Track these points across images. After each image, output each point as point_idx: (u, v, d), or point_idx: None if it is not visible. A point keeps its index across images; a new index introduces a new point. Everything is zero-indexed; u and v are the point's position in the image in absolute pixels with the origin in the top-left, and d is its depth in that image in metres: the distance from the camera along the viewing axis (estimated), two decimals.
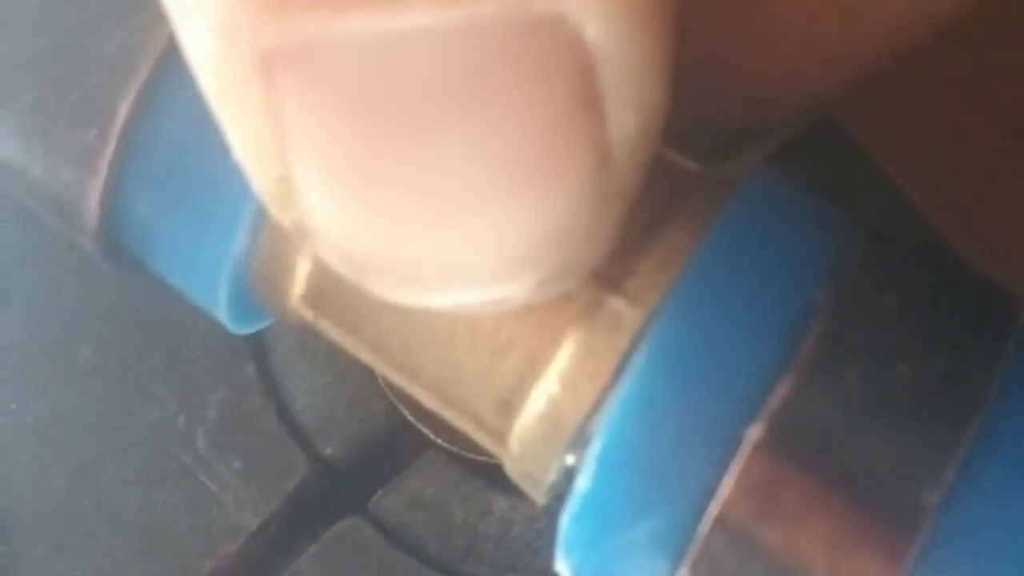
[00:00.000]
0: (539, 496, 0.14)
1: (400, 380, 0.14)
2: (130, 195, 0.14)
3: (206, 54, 0.10)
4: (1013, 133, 0.24)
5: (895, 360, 0.12)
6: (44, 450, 0.26)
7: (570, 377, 0.13)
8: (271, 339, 0.26)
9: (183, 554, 0.25)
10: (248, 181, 0.11)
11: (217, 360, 0.26)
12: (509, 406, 0.13)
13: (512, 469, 0.14)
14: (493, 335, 0.13)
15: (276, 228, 0.14)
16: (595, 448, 0.13)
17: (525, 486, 0.14)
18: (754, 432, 0.12)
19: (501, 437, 0.14)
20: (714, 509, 0.12)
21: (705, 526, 0.12)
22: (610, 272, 0.13)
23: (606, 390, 0.13)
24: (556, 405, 0.13)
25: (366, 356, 0.15)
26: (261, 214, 0.14)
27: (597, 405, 0.13)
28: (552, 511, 0.14)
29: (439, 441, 0.23)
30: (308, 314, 0.15)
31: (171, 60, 0.14)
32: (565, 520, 0.13)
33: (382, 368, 0.14)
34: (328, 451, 0.26)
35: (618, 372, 0.13)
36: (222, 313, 0.15)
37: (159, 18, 0.10)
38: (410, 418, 0.23)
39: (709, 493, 0.12)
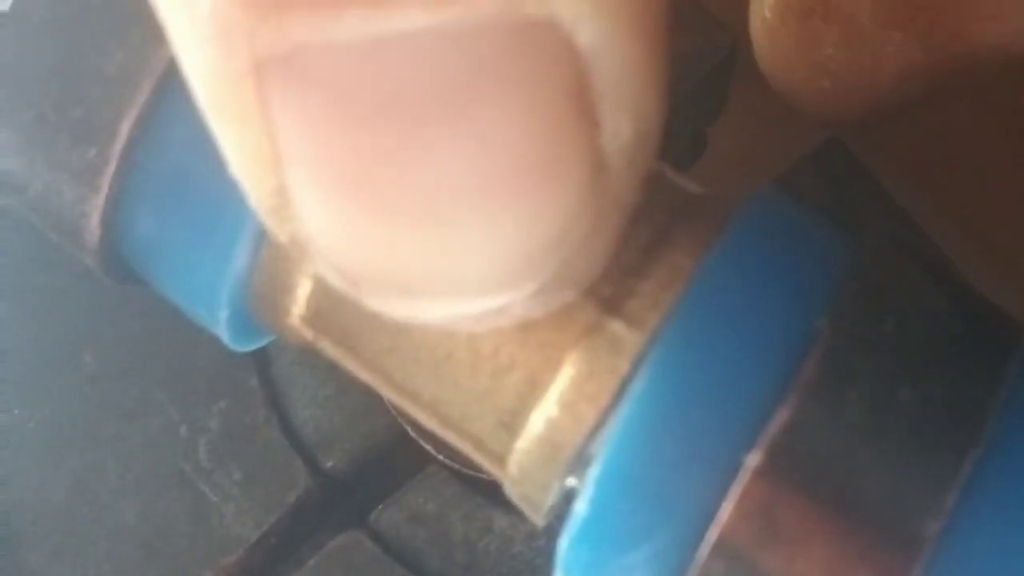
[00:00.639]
0: (538, 518, 0.14)
1: (400, 401, 0.14)
2: (131, 213, 0.15)
3: (199, 62, 0.10)
4: None
5: (896, 385, 0.12)
6: (45, 456, 0.26)
7: (570, 400, 0.13)
8: (274, 351, 0.26)
9: (183, 563, 0.25)
10: (246, 196, 0.11)
11: (220, 370, 0.26)
12: (509, 428, 0.13)
13: (512, 491, 0.14)
14: (493, 357, 0.13)
15: (276, 247, 0.14)
16: (594, 471, 0.13)
17: (525, 508, 0.14)
18: (754, 457, 0.12)
19: (500, 459, 0.14)
20: (713, 534, 0.12)
21: (704, 551, 0.12)
22: (610, 293, 0.13)
23: (606, 413, 0.13)
24: (556, 428, 0.13)
25: (366, 376, 0.14)
26: (261, 233, 0.14)
27: (597, 428, 0.13)
28: (552, 530, 0.13)
29: (440, 457, 0.23)
30: (308, 334, 0.15)
31: (172, 79, 0.14)
32: (564, 543, 0.13)
33: (382, 389, 0.14)
34: (329, 464, 0.25)
35: (618, 395, 0.13)
36: (222, 331, 0.15)
37: (160, 37, 0.10)
38: (412, 433, 0.23)
39: (708, 517, 0.12)
